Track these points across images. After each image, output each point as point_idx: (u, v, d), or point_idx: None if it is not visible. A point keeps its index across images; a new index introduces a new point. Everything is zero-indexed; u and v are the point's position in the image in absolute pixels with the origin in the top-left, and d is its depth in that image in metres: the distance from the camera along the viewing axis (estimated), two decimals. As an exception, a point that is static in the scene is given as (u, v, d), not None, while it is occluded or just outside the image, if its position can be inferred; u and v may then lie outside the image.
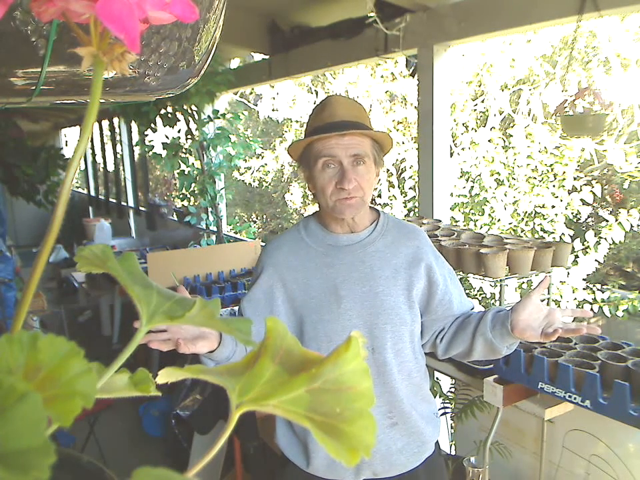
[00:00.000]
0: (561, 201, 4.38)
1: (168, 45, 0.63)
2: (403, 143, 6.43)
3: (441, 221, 2.64)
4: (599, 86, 2.54)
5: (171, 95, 0.79)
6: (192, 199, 4.48)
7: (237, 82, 4.29)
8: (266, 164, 10.74)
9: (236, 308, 2.89)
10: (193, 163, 4.36)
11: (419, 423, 1.33)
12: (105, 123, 7.77)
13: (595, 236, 4.08)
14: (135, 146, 6.51)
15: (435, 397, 1.89)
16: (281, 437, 1.39)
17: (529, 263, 1.99)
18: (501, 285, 2.10)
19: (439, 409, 2.17)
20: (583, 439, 1.80)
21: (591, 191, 4.30)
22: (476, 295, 4.22)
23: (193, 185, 4.33)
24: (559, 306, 4.00)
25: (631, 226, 3.99)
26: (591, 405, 1.57)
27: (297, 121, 9.12)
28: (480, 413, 2.07)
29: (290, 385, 0.29)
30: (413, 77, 3.14)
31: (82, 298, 5.76)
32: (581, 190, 4.37)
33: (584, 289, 4.11)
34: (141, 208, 6.86)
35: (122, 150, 7.20)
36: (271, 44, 3.97)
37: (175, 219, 5.74)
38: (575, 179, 4.41)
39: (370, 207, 1.36)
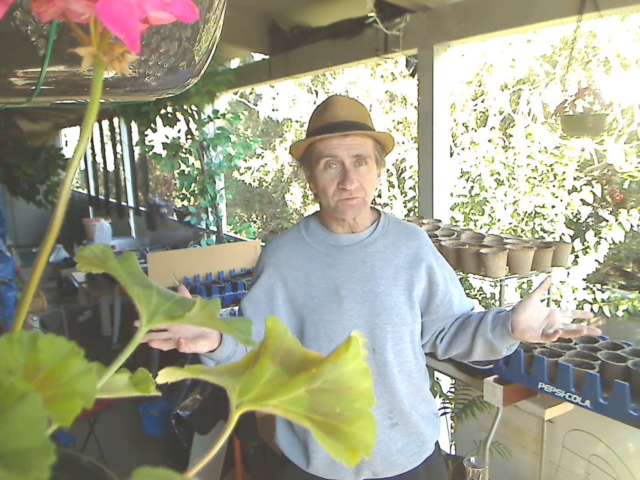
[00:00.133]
0: (561, 201, 4.38)
1: (168, 44, 0.63)
2: (403, 143, 6.43)
3: (441, 221, 2.64)
4: (599, 86, 2.54)
5: (171, 95, 0.79)
6: (192, 198, 4.48)
7: (237, 82, 4.30)
8: (266, 164, 10.74)
9: (236, 308, 2.89)
10: (192, 163, 4.36)
11: (419, 423, 1.33)
12: (105, 123, 7.78)
13: (595, 236, 4.08)
14: (135, 146, 6.51)
15: (435, 397, 1.89)
16: (281, 437, 1.39)
17: (529, 263, 1.99)
18: (501, 285, 2.10)
19: (439, 409, 2.17)
20: (582, 439, 1.80)
21: (591, 191, 4.30)
22: (476, 295, 4.22)
23: (193, 185, 4.34)
24: (559, 306, 4.00)
25: (631, 226, 3.99)
26: (591, 405, 1.57)
27: (297, 121, 9.12)
28: (480, 413, 2.07)
29: (290, 385, 0.29)
30: (413, 77, 3.14)
31: (82, 298, 5.76)
32: (580, 190, 4.37)
33: (584, 289, 4.11)
34: (141, 208, 6.86)
35: (122, 150, 7.20)
36: (271, 44, 3.97)
37: (175, 218, 5.74)
38: (575, 178, 4.41)
39: (370, 207, 1.35)
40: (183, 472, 0.26)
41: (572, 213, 4.45)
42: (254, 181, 11.22)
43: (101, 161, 8.64)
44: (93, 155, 8.95)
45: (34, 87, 0.62)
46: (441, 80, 2.85)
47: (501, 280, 2.02)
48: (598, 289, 4.18)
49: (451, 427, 2.36)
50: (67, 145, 10.14)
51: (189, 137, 4.29)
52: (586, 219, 5.84)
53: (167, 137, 4.37)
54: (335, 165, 1.23)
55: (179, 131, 4.33)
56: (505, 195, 4.47)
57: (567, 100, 2.36)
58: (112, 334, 4.94)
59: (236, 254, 3.65)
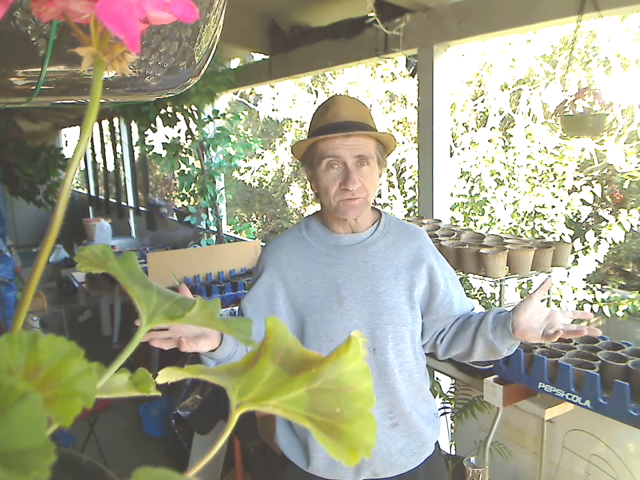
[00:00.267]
0: (561, 201, 4.38)
1: (168, 44, 0.63)
2: (403, 143, 6.43)
3: (441, 221, 2.64)
4: (599, 86, 2.54)
5: (171, 95, 0.79)
6: (192, 198, 4.48)
7: (237, 82, 4.29)
8: (266, 164, 10.74)
9: (236, 308, 2.89)
10: (192, 163, 4.36)
11: (419, 424, 1.33)
12: (105, 123, 7.77)
13: (595, 236, 4.08)
14: (135, 146, 6.51)
15: (435, 397, 1.89)
16: (281, 437, 1.39)
17: (529, 263, 1.99)
18: (500, 285, 2.10)
19: (439, 409, 2.17)
20: (582, 439, 1.80)
21: (591, 191, 4.30)
22: (476, 295, 4.21)
23: (193, 185, 4.33)
24: (559, 306, 4.00)
25: (631, 226, 3.99)
26: (591, 405, 1.57)
27: (297, 121, 9.12)
28: (480, 413, 2.07)
29: (290, 385, 0.29)
30: (413, 76, 3.14)
31: (82, 298, 5.76)
32: (581, 190, 4.37)
33: (584, 289, 4.11)
34: (141, 208, 6.86)
35: (122, 150, 7.20)
36: (271, 44, 3.97)
37: (175, 219, 5.74)
38: (575, 178, 4.41)
39: (371, 207, 1.35)
40: (182, 472, 0.26)
41: (572, 213, 4.45)
42: (254, 181, 11.23)
43: (101, 161, 8.63)
44: (93, 155, 8.95)
45: (34, 87, 0.62)
46: (440, 80, 2.85)
47: (501, 280, 2.02)
48: (598, 289, 4.18)
49: (451, 427, 2.36)
50: (67, 145, 10.14)
51: (189, 136, 4.29)
52: (586, 219, 5.84)
53: (167, 137, 4.37)
54: (337, 165, 1.23)
55: (179, 131, 4.33)
56: (505, 195, 4.47)
57: (566, 100, 2.36)
58: (112, 334, 4.94)
59: (236, 254, 3.65)
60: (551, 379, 1.67)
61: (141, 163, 6.82)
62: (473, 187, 4.64)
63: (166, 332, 1.07)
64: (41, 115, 7.65)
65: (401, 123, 7.24)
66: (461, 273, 2.08)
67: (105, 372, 0.32)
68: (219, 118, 4.16)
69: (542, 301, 1.21)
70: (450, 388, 2.36)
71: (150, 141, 4.45)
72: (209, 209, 4.45)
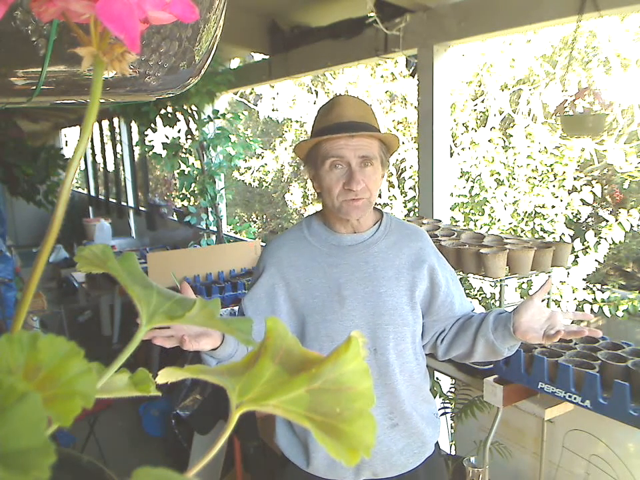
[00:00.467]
0: (561, 201, 4.38)
1: (168, 44, 0.63)
2: (403, 143, 6.43)
3: (441, 221, 2.64)
4: (599, 86, 2.53)
5: (171, 95, 0.79)
6: (192, 198, 4.48)
7: (237, 82, 4.29)
8: (266, 164, 10.74)
9: (236, 308, 2.88)
10: (192, 163, 4.36)
11: (419, 424, 1.33)
12: (105, 123, 7.77)
13: (595, 236, 4.08)
14: (135, 146, 6.51)
15: (435, 397, 1.89)
16: (280, 437, 1.39)
17: (529, 263, 1.99)
18: (501, 285, 2.10)
19: (439, 409, 2.17)
20: (582, 439, 1.80)
21: (591, 191, 4.30)
22: (476, 295, 4.21)
23: (193, 184, 4.34)
24: (559, 306, 4.00)
25: (631, 226, 3.99)
26: (591, 405, 1.57)
27: (297, 121, 9.12)
28: (480, 413, 2.07)
29: (290, 385, 0.29)
30: (413, 76, 3.14)
31: (82, 298, 5.76)
32: (581, 190, 4.37)
33: (584, 289, 4.11)
34: (141, 208, 6.86)
35: (122, 150, 7.20)
36: (271, 44, 3.97)
37: (175, 219, 5.74)
38: (575, 178, 4.41)
39: (373, 207, 1.35)
40: (183, 472, 0.26)
41: (572, 213, 4.44)
42: (254, 181, 11.22)
43: (101, 161, 8.63)
44: (93, 155, 8.95)
45: (34, 87, 0.62)
46: (440, 80, 2.85)
47: (501, 280, 2.02)
48: (598, 289, 4.18)
49: (451, 427, 2.36)
50: (67, 145, 10.13)
51: (189, 136, 4.29)
52: (586, 219, 5.84)
53: (166, 137, 4.37)
54: (341, 166, 1.23)
55: (179, 131, 4.33)
56: (505, 195, 4.47)
57: (566, 100, 2.36)
58: (112, 334, 4.94)
59: (236, 254, 3.66)
60: (551, 378, 1.67)
61: (141, 163, 6.82)
62: (472, 187, 4.63)
63: (168, 330, 1.07)
64: (41, 115, 7.65)
65: (400, 122, 7.24)
66: (461, 273, 2.08)
67: (104, 372, 0.32)
68: (218, 118, 4.16)
69: (542, 301, 1.21)
70: (450, 388, 2.36)
71: (150, 141, 4.45)
72: (209, 209, 4.45)
